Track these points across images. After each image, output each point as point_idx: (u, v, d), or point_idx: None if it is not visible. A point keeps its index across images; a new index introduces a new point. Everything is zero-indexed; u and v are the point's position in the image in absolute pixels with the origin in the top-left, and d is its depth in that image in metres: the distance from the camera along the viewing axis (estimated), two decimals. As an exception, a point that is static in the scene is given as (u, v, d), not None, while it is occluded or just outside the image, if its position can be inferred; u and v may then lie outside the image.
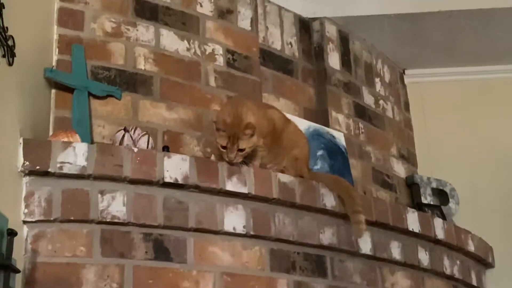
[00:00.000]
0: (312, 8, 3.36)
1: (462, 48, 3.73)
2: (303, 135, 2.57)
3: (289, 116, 2.61)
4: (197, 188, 2.15)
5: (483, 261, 3.33)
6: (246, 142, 2.23)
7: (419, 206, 3.44)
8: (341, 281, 2.46)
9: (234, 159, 2.22)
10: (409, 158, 3.67)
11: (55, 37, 2.41)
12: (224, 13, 2.86)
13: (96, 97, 2.40)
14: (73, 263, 1.95)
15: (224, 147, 2.23)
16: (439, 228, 2.91)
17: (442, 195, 3.60)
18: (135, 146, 2.24)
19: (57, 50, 2.39)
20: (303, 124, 2.88)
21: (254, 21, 2.96)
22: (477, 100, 3.88)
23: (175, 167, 2.12)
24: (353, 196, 2.43)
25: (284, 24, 3.23)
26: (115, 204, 2.03)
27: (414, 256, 2.77)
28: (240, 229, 2.22)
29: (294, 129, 2.51)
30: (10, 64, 1.90)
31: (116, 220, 2.01)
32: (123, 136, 2.26)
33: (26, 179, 1.96)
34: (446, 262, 2.95)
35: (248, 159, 2.30)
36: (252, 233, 2.24)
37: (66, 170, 1.97)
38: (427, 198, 3.51)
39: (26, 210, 1.93)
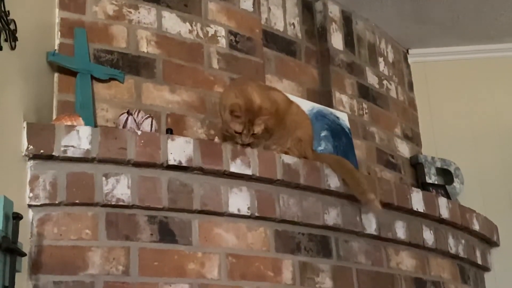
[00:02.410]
0: (315, -12, 3.35)
1: (466, 27, 3.71)
2: (307, 116, 2.56)
3: (292, 97, 2.60)
4: (201, 170, 2.16)
5: (488, 240, 3.33)
6: (260, 127, 2.26)
7: (423, 186, 3.45)
8: (346, 261, 2.47)
9: (247, 142, 2.26)
10: (413, 138, 3.67)
11: (57, 20, 2.40)
12: (226, -5, 2.85)
13: (99, 80, 2.40)
14: (79, 246, 1.96)
15: (238, 132, 2.24)
16: (443, 208, 2.91)
17: (446, 174, 3.60)
18: (138, 129, 2.24)
19: (59, 33, 2.39)
20: (307, 105, 2.88)
21: (256, 2, 2.94)
22: (482, 79, 3.87)
23: (179, 149, 2.12)
24: (357, 178, 2.43)
25: (286, 5, 3.21)
26: (119, 187, 2.03)
27: (419, 236, 2.78)
28: (244, 211, 2.22)
29: (297, 110, 2.51)
30: (13, 48, 1.90)
31: (121, 203, 2.02)
32: (127, 119, 2.27)
33: (30, 163, 1.96)
34: (451, 241, 2.95)
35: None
36: (256, 214, 2.24)
37: (70, 153, 1.98)
38: (432, 178, 3.51)
39: (31, 194, 1.94)
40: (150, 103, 2.48)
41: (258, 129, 2.26)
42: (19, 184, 1.91)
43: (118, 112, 2.36)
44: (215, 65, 2.70)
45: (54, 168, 1.98)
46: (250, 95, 2.28)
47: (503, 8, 3.55)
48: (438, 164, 3.56)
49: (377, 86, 3.48)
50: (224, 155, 2.20)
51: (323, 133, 2.97)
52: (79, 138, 1.99)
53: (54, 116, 2.26)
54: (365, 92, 3.37)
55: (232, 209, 2.20)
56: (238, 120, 2.24)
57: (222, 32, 2.77)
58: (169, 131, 2.39)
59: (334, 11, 3.37)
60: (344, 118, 3.10)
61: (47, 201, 1.95)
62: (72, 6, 2.44)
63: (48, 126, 2.01)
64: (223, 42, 2.76)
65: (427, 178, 3.49)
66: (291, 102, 2.50)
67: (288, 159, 2.35)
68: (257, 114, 2.24)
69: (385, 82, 3.56)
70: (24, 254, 1.76)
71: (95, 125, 2.30)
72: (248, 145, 2.28)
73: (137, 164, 2.06)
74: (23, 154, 1.94)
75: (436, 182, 3.52)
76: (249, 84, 2.36)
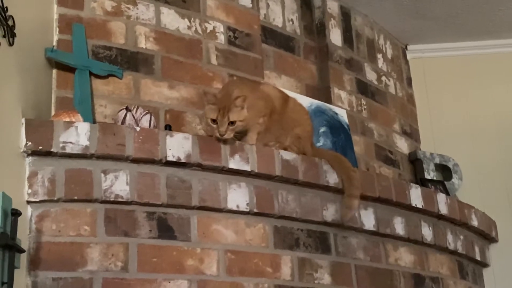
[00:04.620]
0: (313, -16, 3.34)
1: (464, 22, 3.71)
2: (306, 111, 2.55)
3: (290, 93, 2.60)
4: (200, 167, 2.16)
5: (487, 236, 3.34)
6: (237, 115, 2.16)
7: (422, 182, 3.45)
8: (344, 257, 2.47)
9: (224, 134, 2.15)
10: (412, 134, 3.67)
11: (55, 16, 2.40)
12: (225, -10, 2.85)
13: (98, 76, 2.40)
14: (77, 242, 1.96)
15: (214, 121, 2.16)
16: (442, 204, 2.91)
17: (445, 170, 3.60)
18: (137, 125, 2.24)
19: (57, 29, 2.38)
20: (305, 101, 2.87)
21: (255, -2, 2.95)
22: (480, 74, 3.86)
23: (177, 145, 2.12)
24: (351, 178, 2.43)
25: (285, 1, 3.21)
26: (118, 183, 2.03)
27: (418, 232, 2.78)
28: (243, 207, 2.22)
29: (295, 106, 2.49)
30: (11, 44, 1.90)
31: (119, 199, 2.02)
32: (125, 115, 2.26)
33: (29, 159, 1.96)
34: (450, 237, 2.96)
35: (242, 134, 2.27)
36: (255, 210, 2.25)
37: (68, 150, 1.98)
38: (430, 174, 3.51)
39: (29, 190, 1.94)
40: (148, 99, 2.48)
41: (234, 116, 2.15)
42: (18, 180, 1.91)
43: (116, 108, 2.36)
44: (213, 61, 2.70)
45: (53, 165, 1.98)
46: (231, 90, 2.24)
47: (502, 3, 3.55)
48: (437, 160, 3.57)
49: (375, 82, 3.48)
50: (222, 151, 2.20)
51: (322, 129, 2.97)
52: (77, 134, 1.99)
53: (53, 112, 2.26)
54: (363, 88, 3.37)
55: (231, 205, 2.20)
56: (212, 107, 2.16)
57: (220, 28, 2.77)
58: (168, 127, 2.39)
59: (332, 7, 3.36)
60: (342, 114, 3.10)
61: (45, 198, 1.95)
62: (70, 2, 2.43)
63: (46, 123, 2.01)
64: (221, 38, 2.76)
65: (425, 174, 3.49)
66: (288, 98, 2.48)
67: (287, 155, 2.35)
68: (233, 101, 2.16)
69: (383, 78, 3.56)
70: (23, 251, 1.76)
71: (94, 121, 2.29)
72: (225, 141, 2.20)
73: (135, 160, 2.06)
74: (22, 150, 1.94)
75: (434, 178, 3.52)
76: (237, 85, 2.34)
